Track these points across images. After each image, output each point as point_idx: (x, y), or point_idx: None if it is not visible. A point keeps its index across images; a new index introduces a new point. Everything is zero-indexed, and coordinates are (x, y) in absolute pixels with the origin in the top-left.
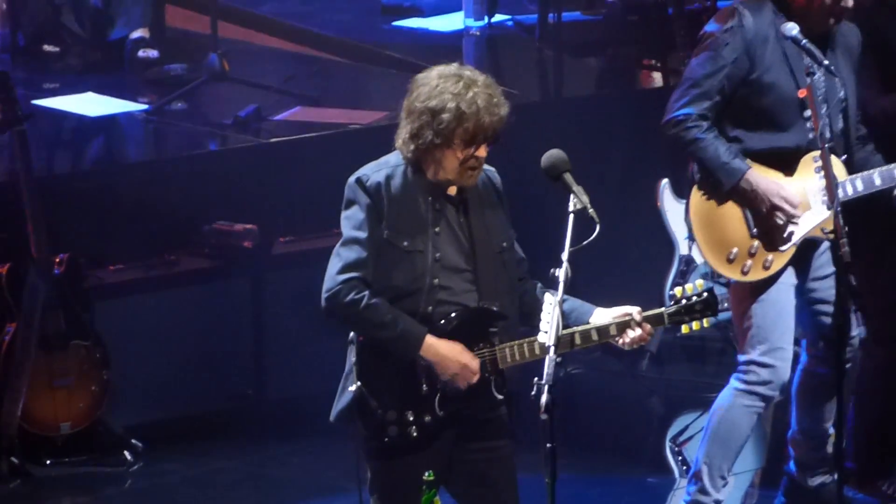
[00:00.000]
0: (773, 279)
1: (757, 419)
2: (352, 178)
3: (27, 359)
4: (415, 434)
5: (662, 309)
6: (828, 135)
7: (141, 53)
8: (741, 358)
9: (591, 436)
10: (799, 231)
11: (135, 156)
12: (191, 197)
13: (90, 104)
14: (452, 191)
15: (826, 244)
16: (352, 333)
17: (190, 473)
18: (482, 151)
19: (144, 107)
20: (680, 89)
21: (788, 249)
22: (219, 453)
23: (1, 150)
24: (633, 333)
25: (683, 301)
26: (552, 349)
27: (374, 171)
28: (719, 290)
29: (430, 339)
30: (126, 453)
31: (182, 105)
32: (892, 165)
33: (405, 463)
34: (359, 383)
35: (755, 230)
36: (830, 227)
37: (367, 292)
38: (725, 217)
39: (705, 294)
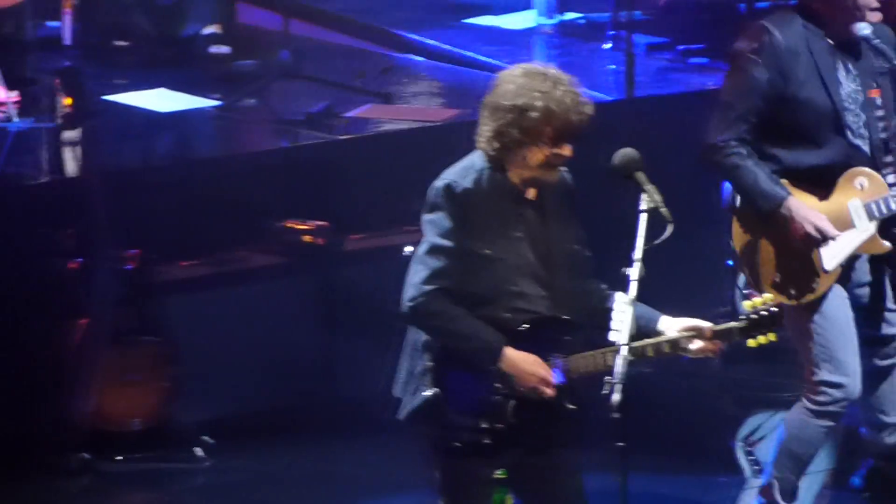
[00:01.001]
0: (824, 296)
1: (830, 434)
2: (440, 183)
3: (98, 355)
4: (486, 441)
5: (732, 324)
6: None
7: (212, 49)
8: (813, 378)
9: (661, 435)
10: (843, 249)
11: (206, 152)
12: (262, 193)
13: (162, 100)
14: (531, 194)
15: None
16: (425, 336)
17: (259, 470)
18: (567, 150)
19: (216, 103)
20: (717, 114)
21: (834, 270)
22: (288, 450)
23: (72, 146)
24: (700, 344)
25: (752, 316)
26: (624, 348)
27: (461, 176)
28: None
29: (509, 352)
30: (196, 449)
31: (253, 101)
32: None
33: (475, 468)
34: (436, 389)
35: (800, 255)
36: (876, 250)
37: (451, 302)
38: (769, 242)
39: (774, 308)
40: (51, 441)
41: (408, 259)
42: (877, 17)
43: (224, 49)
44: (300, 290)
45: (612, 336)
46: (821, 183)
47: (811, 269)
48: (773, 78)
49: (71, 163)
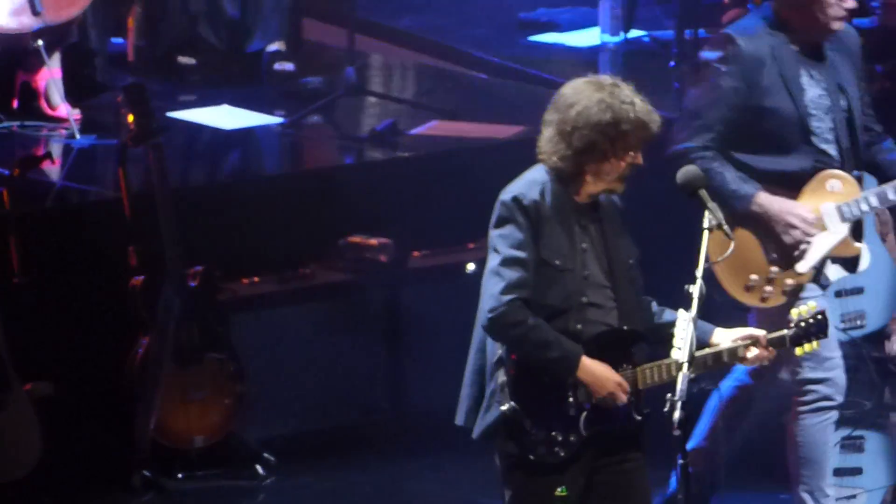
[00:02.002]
0: (799, 297)
1: (834, 428)
2: (506, 196)
3: (161, 372)
4: (562, 454)
5: (784, 332)
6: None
7: (277, 66)
8: (796, 378)
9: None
10: (816, 253)
11: (270, 169)
12: (326, 210)
13: (226, 117)
14: (589, 210)
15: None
16: (499, 352)
17: (323, 488)
18: (640, 158)
19: (280, 120)
20: (681, 121)
21: (807, 273)
22: (352, 468)
23: (137, 163)
24: (756, 352)
25: (802, 324)
26: (686, 366)
27: (527, 188)
28: (853, 307)
29: (586, 360)
30: (259, 467)
31: (318, 118)
32: None
33: (548, 482)
34: (512, 403)
35: (773, 256)
36: (848, 252)
37: (530, 313)
38: (741, 245)
39: (819, 316)
40: (114, 458)
41: (471, 277)
42: (841, 25)
43: (289, 66)
44: (364, 307)
45: (674, 354)
46: (792, 188)
47: (785, 273)
48: (738, 87)
49: (135, 180)
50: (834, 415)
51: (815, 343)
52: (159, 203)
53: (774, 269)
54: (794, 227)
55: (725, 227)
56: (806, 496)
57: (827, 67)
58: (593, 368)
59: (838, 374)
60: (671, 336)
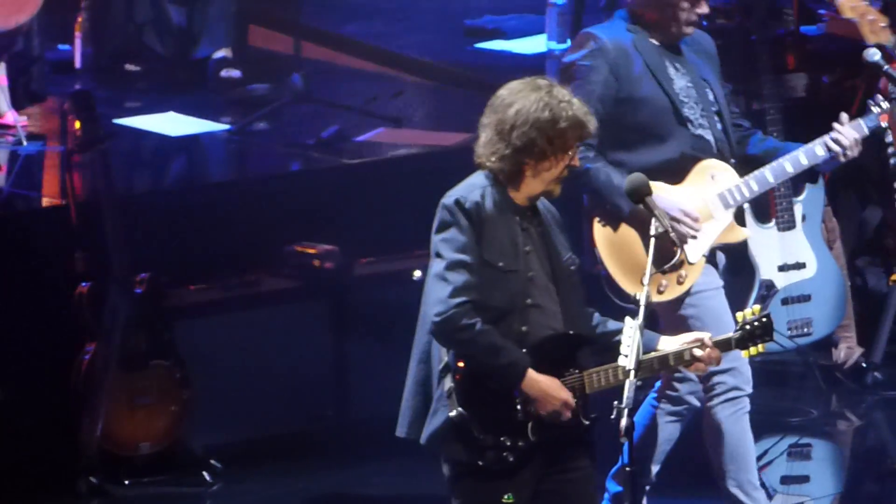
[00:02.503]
0: (697, 288)
1: (748, 417)
2: (448, 200)
3: (107, 378)
4: (510, 459)
5: (730, 335)
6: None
7: (224, 73)
8: (701, 375)
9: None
10: (704, 242)
11: (216, 175)
12: (272, 217)
13: (172, 123)
14: (529, 212)
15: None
16: (446, 359)
17: (269, 494)
18: (576, 160)
19: (227, 127)
20: None
21: (699, 261)
22: (298, 474)
23: (83, 170)
24: (701, 354)
25: (747, 326)
26: (633, 373)
27: (468, 191)
28: (800, 315)
29: (532, 374)
30: (205, 474)
31: (264, 125)
32: (782, 159)
33: (496, 488)
34: (460, 409)
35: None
36: (735, 238)
37: (478, 318)
38: (631, 241)
39: (764, 319)
40: (61, 464)
41: (417, 283)
42: (692, 30)
43: (235, 73)
44: (310, 314)
45: (620, 361)
46: (673, 175)
47: (676, 263)
48: (607, 79)
49: (81, 186)
50: (746, 405)
51: (760, 346)
52: (105, 210)
53: (666, 261)
54: (678, 220)
55: (672, 234)
56: (736, 491)
57: (687, 62)
58: (540, 383)
59: (742, 364)
60: (615, 345)
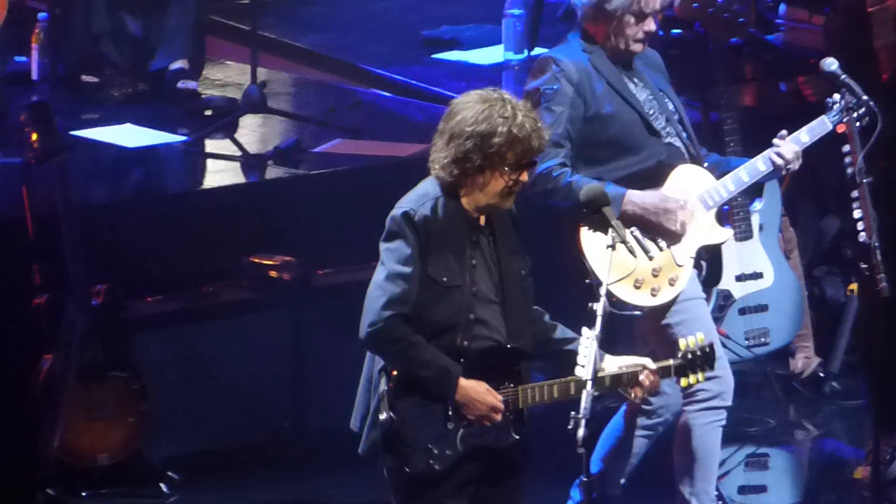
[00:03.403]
0: (682, 297)
1: (721, 432)
2: (397, 211)
3: (65, 390)
4: (437, 467)
5: (671, 361)
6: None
7: (181, 84)
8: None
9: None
10: (691, 242)
11: (174, 187)
12: (229, 228)
13: (129, 135)
14: (482, 221)
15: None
16: (382, 363)
17: None
18: (525, 176)
19: (184, 138)
20: None
21: (687, 263)
22: (257, 486)
23: (41, 181)
24: (642, 385)
25: (689, 355)
26: (590, 383)
27: (418, 203)
28: (758, 324)
29: (462, 381)
30: (163, 486)
31: (222, 136)
32: (755, 159)
33: (429, 498)
34: (391, 413)
35: (651, 253)
36: (718, 238)
37: (410, 329)
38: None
39: (706, 349)
40: (18, 476)
41: None
42: (641, 47)
43: (192, 84)
44: (268, 325)
45: (577, 371)
46: (655, 181)
47: (666, 267)
48: (573, 101)
49: (38, 198)
50: (723, 418)
51: (700, 375)
52: (63, 221)
53: (657, 264)
54: (673, 210)
55: (629, 243)
56: (692, 500)
57: (643, 76)
58: (468, 390)
59: (727, 374)
60: (561, 353)
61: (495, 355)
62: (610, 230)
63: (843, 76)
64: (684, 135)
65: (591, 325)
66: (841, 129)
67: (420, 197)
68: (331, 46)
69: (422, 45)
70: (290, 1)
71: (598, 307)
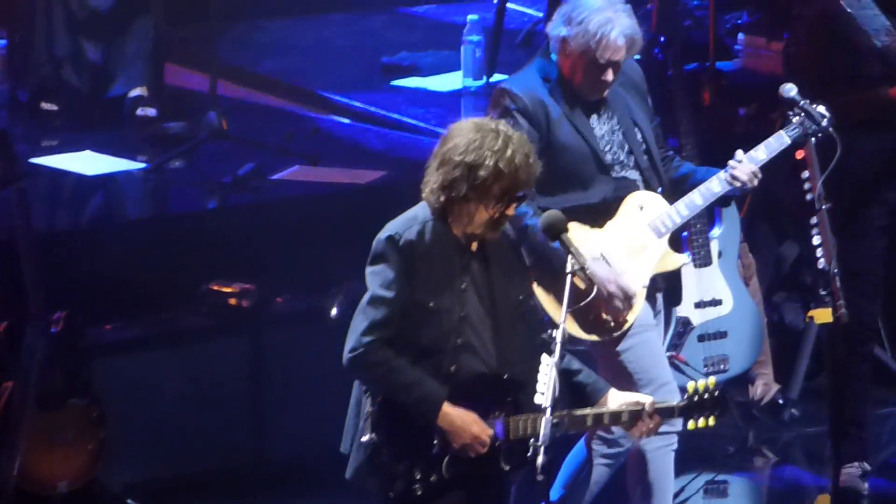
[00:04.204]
0: (632, 327)
1: (674, 456)
2: (383, 235)
3: (24, 417)
4: (419, 492)
5: (673, 403)
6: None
7: (140, 111)
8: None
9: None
10: (643, 271)
11: (133, 214)
12: (189, 255)
13: (88, 162)
14: (474, 247)
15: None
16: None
17: None
18: (512, 210)
19: (143, 165)
20: None
21: (639, 293)
22: None
23: None
24: (642, 425)
25: (695, 398)
26: (549, 411)
27: (405, 227)
28: (717, 351)
29: (446, 408)
30: None
31: (181, 163)
32: (710, 180)
33: None
34: (373, 435)
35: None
36: (672, 265)
37: (391, 353)
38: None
39: (717, 393)
40: None
41: (334, 321)
42: (597, 95)
43: (151, 111)
44: (228, 352)
45: (537, 399)
46: (598, 218)
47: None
48: (529, 132)
49: None
50: (674, 443)
51: (711, 420)
52: (22, 248)
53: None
54: (614, 296)
55: (588, 271)
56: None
57: (614, 105)
58: (453, 417)
59: (676, 398)
60: (573, 385)
61: (484, 383)
62: (569, 257)
63: (803, 102)
64: (646, 164)
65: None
66: (800, 154)
67: (408, 220)
68: (289, 73)
69: (381, 72)
70: (248, 27)
71: (558, 334)
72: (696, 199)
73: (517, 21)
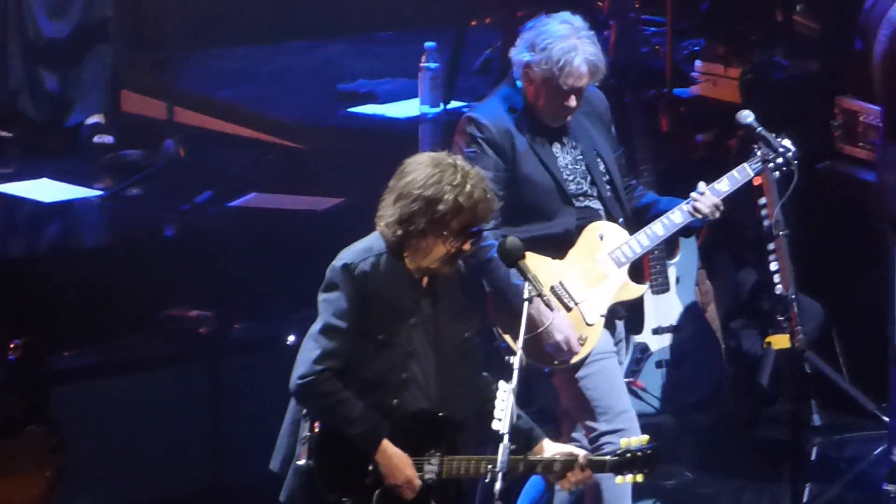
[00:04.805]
0: (591, 355)
1: (631, 486)
2: (338, 263)
3: None
4: None
5: (606, 457)
6: (779, 221)
7: (97, 139)
8: (591, 435)
9: None
10: (602, 301)
11: (90, 241)
12: (147, 282)
13: (46, 190)
14: (424, 282)
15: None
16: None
17: None
18: (468, 245)
19: (100, 192)
20: None
21: (598, 322)
22: None
23: None
24: (572, 476)
25: (627, 454)
26: (506, 437)
27: (360, 258)
28: (674, 377)
29: (385, 445)
30: None
31: (138, 191)
32: (672, 210)
33: None
34: (310, 461)
35: (570, 304)
36: (631, 294)
37: (340, 385)
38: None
39: (649, 451)
40: None
41: (291, 348)
42: (559, 122)
43: (108, 139)
44: (186, 379)
45: (494, 425)
46: (560, 248)
47: (576, 326)
48: (495, 162)
49: None
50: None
51: (639, 476)
52: None
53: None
54: (559, 343)
55: (545, 297)
56: None
57: (578, 135)
58: (390, 456)
59: (633, 428)
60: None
61: (424, 419)
62: (526, 283)
63: (760, 128)
64: (609, 194)
65: (507, 379)
66: (757, 181)
67: (363, 251)
68: (247, 100)
69: (338, 99)
70: (206, 55)
71: (515, 361)
72: (658, 229)
73: (475, 48)
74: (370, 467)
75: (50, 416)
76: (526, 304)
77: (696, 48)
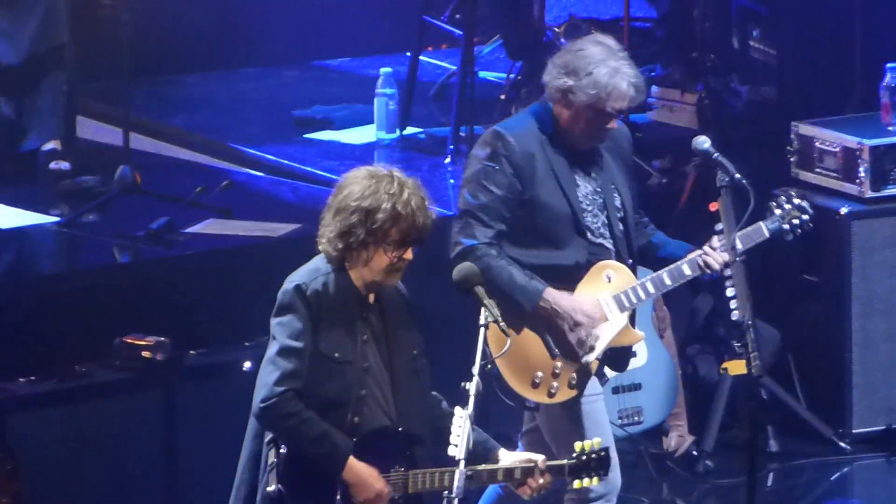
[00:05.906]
0: (580, 395)
1: None
2: (289, 286)
3: None
4: None
5: (564, 461)
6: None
7: (53, 165)
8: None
9: None
10: (601, 344)
11: (46, 268)
12: (103, 309)
13: (1, 216)
14: (371, 299)
15: None
16: (269, 438)
17: None
18: (409, 254)
19: (56, 219)
20: (460, 222)
21: (592, 364)
22: None
23: None
24: (532, 481)
25: (584, 457)
26: (462, 462)
27: (310, 278)
28: (631, 403)
29: (353, 461)
30: None
31: (94, 217)
32: (681, 262)
33: None
34: (279, 485)
35: (556, 351)
36: (630, 340)
37: (302, 405)
38: (525, 343)
39: (602, 453)
40: None
41: (247, 374)
42: (591, 145)
43: (64, 165)
44: (141, 406)
45: (450, 451)
46: (567, 281)
47: (570, 366)
48: (511, 183)
49: None
50: (613, 501)
51: (595, 479)
52: None
53: (559, 363)
54: (580, 324)
55: (501, 323)
56: None
57: (600, 167)
58: (358, 471)
59: (615, 475)
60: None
61: (385, 435)
62: (483, 309)
63: (716, 154)
64: (620, 234)
65: (464, 405)
66: (713, 206)
67: (312, 272)
68: (202, 127)
69: (293, 125)
70: (161, 82)
71: (471, 386)
72: (666, 279)
73: (431, 74)
74: (339, 488)
75: (5, 443)
76: (482, 329)
77: (653, 74)
